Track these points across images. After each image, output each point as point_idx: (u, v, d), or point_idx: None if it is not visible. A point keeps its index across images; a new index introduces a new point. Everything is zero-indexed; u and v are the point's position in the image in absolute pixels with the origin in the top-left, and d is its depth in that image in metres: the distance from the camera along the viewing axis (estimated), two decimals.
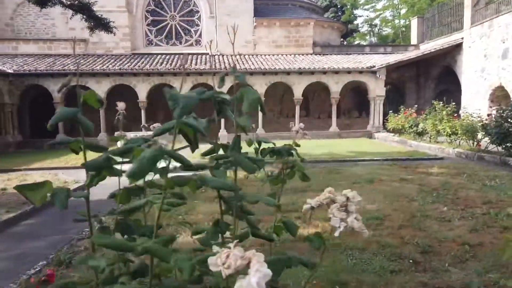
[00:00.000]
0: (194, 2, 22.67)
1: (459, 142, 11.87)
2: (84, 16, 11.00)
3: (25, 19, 21.14)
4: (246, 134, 1.22)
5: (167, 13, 22.61)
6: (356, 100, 24.87)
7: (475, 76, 18.25)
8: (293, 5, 27.32)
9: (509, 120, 8.93)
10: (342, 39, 37.66)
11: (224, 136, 19.28)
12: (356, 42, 34.63)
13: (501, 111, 9.36)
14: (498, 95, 16.58)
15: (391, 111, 17.51)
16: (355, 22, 34.85)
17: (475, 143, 10.95)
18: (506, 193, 6.02)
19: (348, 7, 32.80)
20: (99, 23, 11.19)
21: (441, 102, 13.25)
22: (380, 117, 19.86)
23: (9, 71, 16.90)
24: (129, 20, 21.62)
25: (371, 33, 34.27)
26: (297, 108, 20.07)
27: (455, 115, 12.32)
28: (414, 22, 23.88)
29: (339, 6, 36.64)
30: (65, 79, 1.26)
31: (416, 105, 17.38)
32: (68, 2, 10.48)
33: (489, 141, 9.64)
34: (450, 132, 11.68)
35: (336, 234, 1.07)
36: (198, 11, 22.73)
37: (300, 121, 22.81)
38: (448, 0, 22.07)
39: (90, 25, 11.38)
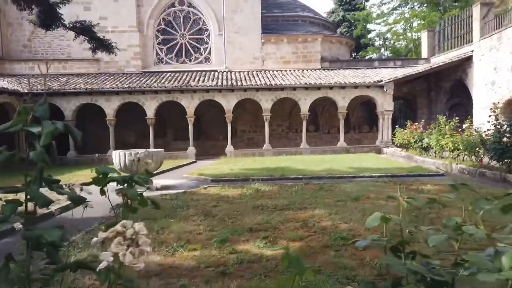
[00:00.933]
0: (203, 20, 23.17)
1: (463, 157, 11.54)
2: (87, 38, 11.39)
3: (42, 40, 22.07)
4: (47, 166, 1.22)
5: (177, 32, 23.16)
6: (367, 114, 24.62)
7: (486, 89, 17.82)
8: (303, 21, 27.54)
9: (507, 135, 8.64)
10: (355, 53, 37.61)
11: (230, 152, 19.40)
12: (369, 56, 34.45)
13: (499, 126, 9.07)
14: (499, 108, 16.10)
15: (397, 126, 17.24)
16: (369, 36, 34.74)
17: (478, 158, 10.61)
18: (491, 212, 5.78)
19: (360, 21, 32.75)
20: (101, 44, 11.57)
21: (445, 116, 12.96)
22: (389, 132, 19.56)
23: (24, 90, 17.59)
24: (140, 40, 22.26)
25: (385, 47, 34.04)
26: (304, 123, 20.00)
27: (459, 129, 12.00)
28: (424, 36, 23.62)
29: (352, 21, 36.70)
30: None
31: (423, 120, 17.07)
32: (71, 25, 10.90)
33: (489, 157, 9.32)
34: (453, 148, 11.38)
35: (97, 269, 1.06)
36: (207, 29, 23.20)
37: (309, 136, 22.78)
38: (458, 12, 21.78)
39: (92, 46, 11.78)
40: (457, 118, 12.62)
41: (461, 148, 10.81)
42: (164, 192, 9.21)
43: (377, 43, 37.15)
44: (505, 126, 8.86)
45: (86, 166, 16.40)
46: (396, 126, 17.52)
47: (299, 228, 5.35)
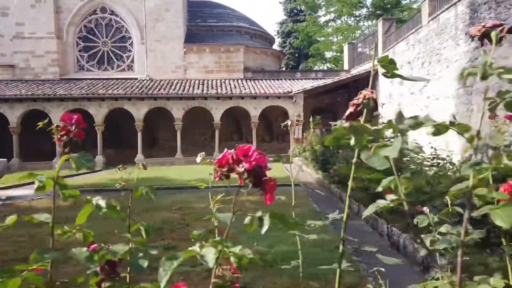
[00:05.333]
0: (126, 28, 23.12)
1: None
2: None
3: None
4: None
5: (99, 39, 23.02)
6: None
7: (386, 101, 18.37)
8: (238, 32, 27.92)
9: (329, 148, 8.90)
10: (300, 64, 38.21)
11: (140, 161, 19.26)
12: (313, 67, 35.06)
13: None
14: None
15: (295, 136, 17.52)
16: (311, 48, 35.35)
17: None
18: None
19: (300, 32, 33.38)
20: None
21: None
22: None
23: None
24: (58, 46, 21.98)
25: (325, 59, 34.74)
26: (217, 132, 20.08)
27: None
28: (345, 48, 24.21)
29: (297, 32, 37.27)
30: None
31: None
32: None
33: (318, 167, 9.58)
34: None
35: None
36: (130, 37, 23.15)
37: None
38: (371, 27, 22.44)
39: None
40: (324, 129, 12.94)
41: (309, 158, 11.09)
42: None
43: (328, 55, 37.90)
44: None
45: None
46: (294, 137, 17.77)
47: None
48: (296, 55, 42.21)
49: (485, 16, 9.96)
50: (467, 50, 10.85)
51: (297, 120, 19.78)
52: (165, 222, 6.27)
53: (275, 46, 43.71)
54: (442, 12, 12.40)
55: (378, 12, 25.82)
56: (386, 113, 18.17)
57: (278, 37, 44.08)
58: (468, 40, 10.85)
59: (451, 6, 11.78)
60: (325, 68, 34.80)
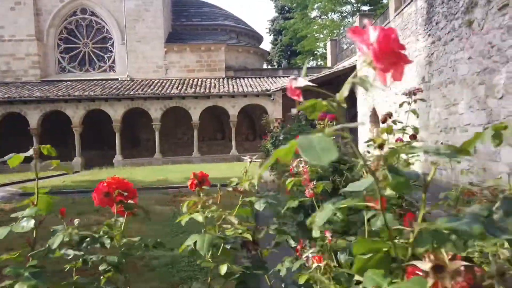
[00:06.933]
0: (106, 29, 23.09)
1: None
2: None
3: None
4: None
5: (80, 41, 23.02)
6: None
7: (363, 98, 18.20)
8: (223, 30, 27.82)
9: (276, 144, 8.80)
10: (287, 61, 38.06)
11: (118, 162, 19.33)
12: (304, 65, 34.75)
13: (274, 137, 9.24)
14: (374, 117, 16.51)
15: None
16: (298, 45, 35.11)
17: None
18: None
19: (288, 30, 33.20)
20: None
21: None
22: None
23: None
24: (39, 48, 22.00)
25: (314, 55, 34.48)
26: (196, 132, 20.02)
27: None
28: (328, 45, 24.00)
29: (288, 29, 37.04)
30: None
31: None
32: None
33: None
34: None
35: None
36: (111, 38, 23.12)
37: (217, 144, 22.89)
38: (352, 22, 22.20)
39: None
40: (288, 126, 12.81)
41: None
42: None
43: (318, 51, 37.59)
44: (282, 136, 9.03)
45: None
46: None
47: None
48: (288, 52, 42.02)
49: (439, 11, 9.78)
50: (425, 45, 10.67)
51: (275, 119, 19.67)
52: (84, 225, 6.22)
53: (267, 44, 43.72)
54: (405, 7, 12.23)
55: (363, 8, 25.58)
56: (362, 109, 18.02)
57: (270, 35, 43.93)
58: (426, 35, 10.67)
59: (412, 0, 11.60)
60: (314, 65, 34.55)
